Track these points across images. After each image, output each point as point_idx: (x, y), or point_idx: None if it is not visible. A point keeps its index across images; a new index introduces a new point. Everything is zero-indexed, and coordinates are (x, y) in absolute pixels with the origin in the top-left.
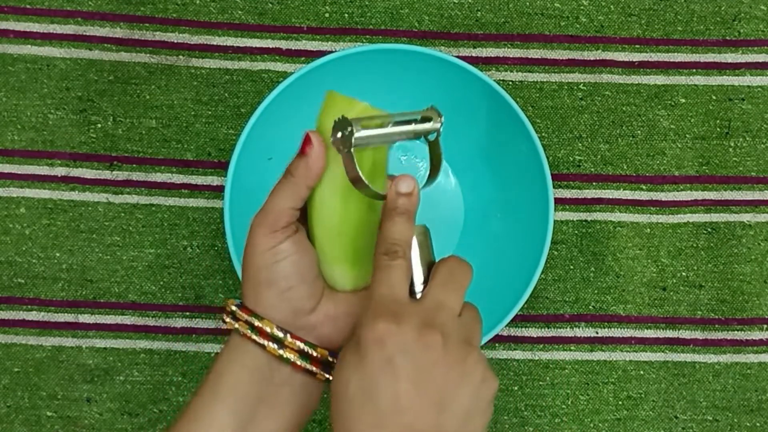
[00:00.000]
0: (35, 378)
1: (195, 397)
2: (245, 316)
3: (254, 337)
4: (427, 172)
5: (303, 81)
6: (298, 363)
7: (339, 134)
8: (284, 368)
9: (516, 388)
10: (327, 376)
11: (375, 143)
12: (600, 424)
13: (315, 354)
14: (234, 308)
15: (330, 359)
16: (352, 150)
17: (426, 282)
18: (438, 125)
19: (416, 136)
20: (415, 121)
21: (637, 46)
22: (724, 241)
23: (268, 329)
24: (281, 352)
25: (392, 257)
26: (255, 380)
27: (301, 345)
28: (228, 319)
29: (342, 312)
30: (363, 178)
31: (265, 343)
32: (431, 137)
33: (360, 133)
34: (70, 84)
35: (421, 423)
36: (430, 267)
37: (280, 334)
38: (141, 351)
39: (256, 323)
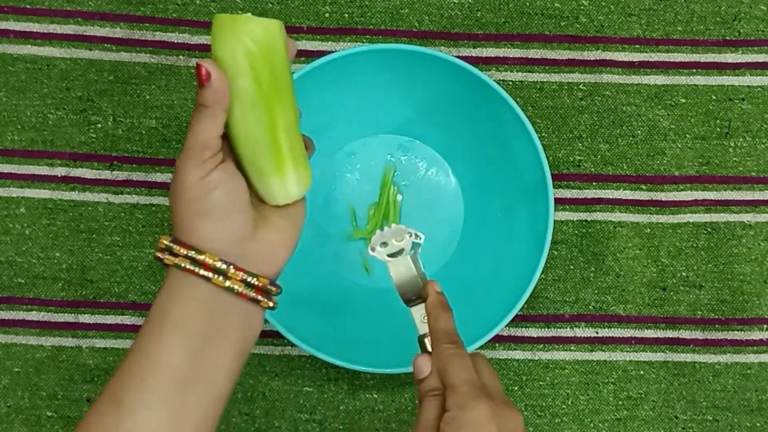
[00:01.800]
0: (35, 378)
1: (141, 335)
2: (184, 251)
3: (198, 270)
4: (427, 173)
5: (303, 81)
6: (243, 292)
7: (387, 243)
8: (228, 298)
9: (516, 388)
10: (269, 303)
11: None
12: (600, 424)
13: (257, 283)
14: (169, 244)
15: (270, 287)
16: (408, 256)
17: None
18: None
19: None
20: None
21: (637, 46)
22: (724, 241)
23: (210, 261)
24: (227, 283)
25: (457, 345)
26: (200, 312)
27: (244, 275)
28: (166, 256)
29: (279, 237)
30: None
31: (210, 275)
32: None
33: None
34: (70, 84)
35: None
36: (423, 281)
37: (223, 266)
38: None
39: (198, 257)
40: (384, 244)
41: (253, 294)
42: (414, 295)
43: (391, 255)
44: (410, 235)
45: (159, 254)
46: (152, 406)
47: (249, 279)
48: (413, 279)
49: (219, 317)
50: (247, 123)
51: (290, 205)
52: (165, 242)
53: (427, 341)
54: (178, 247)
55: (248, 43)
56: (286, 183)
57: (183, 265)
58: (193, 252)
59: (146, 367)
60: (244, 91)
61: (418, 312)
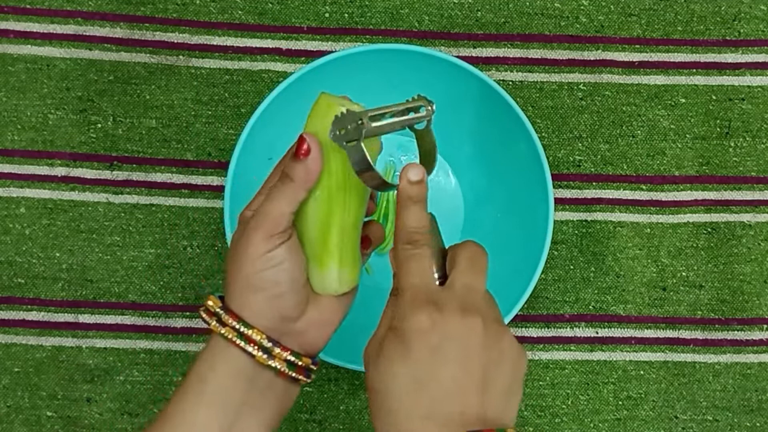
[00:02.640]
0: (35, 378)
1: (177, 399)
2: (233, 323)
3: (243, 345)
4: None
5: (303, 81)
6: (285, 371)
7: (345, 129)
8: (268, 374)
9: None
10: (308, 380)
11: (379, 134)
12: (600, 424)
13: (300, 363)
14: (219, 311)
15: (312, 366)
16: (362, 143)
17: (442, 268)
18: (431, 111)
19: (412, 124)
20: (408, 111)
21: (637, 46)
22: (724, 241)
23: (257, 338)
24: (270, 362)
25: (415, 245)
26: (239, 385)
27: (288, 356)
28: (213, 323)
29: (326, 319)
30: (374, 167)
31: (254, 352)
32: (420, 126)
33: (372, 124)
34: (70, 84)
35: (469, 406)
36: (442, 253)
37: (269, 345)
38: (141, 351)
39: (246, 331)
40: (342, 129)
41: (293, 374)
42: (381, 185)
43: (348, 141)
44: (361, 123)
45: (206, 316)
46: None
47: (292, 359)
48: (369, 169)
49: (257, 391)
50: (318, 207)
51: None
52: (215, 307)
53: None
54: (227, 317)
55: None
56: (325, 278)
57: (229, 336)
58: (240, 325)
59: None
60: (327, 176)
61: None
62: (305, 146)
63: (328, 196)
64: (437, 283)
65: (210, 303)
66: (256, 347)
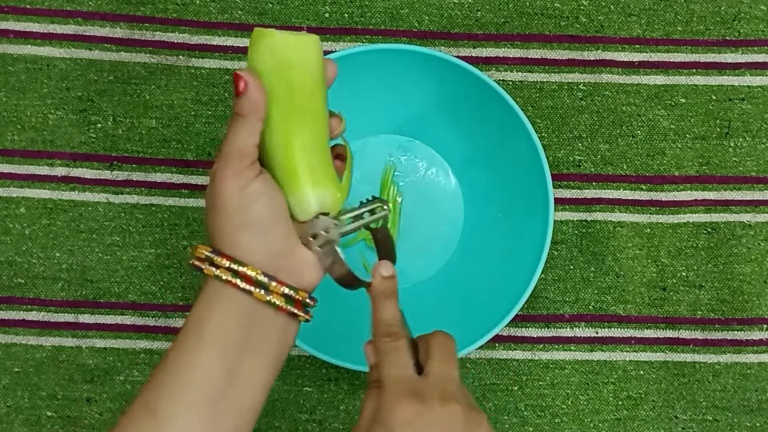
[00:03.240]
0: (35, 378)
1: (178, 345)
2: (226, 263)
3: (239, 283)
4: (427, 173)
5: None
6: (283, 306)
7: (319, 236)
8: (267, 311)
9: (516, 388)
10: (306, 316)
11: (345, 234)
12: (600, 424)
13: (297, 297)
14: (210, 254)
15: (308, 300)
16: (337, 247)
17: (415, 356)
18: (387, 211)
19: (375, 222)
20: (367, 213)
21: (637, 46)
22: (724, 241)
23: (252, 274)
24: (268, 297)
25: (394, 338)
26: (239, 325)
27: (285, 289)
28: (206, 266)
29: (316, 255)
30: (348, 266)
31: (251, 288)
32: (376, 225)
33: (343, 229)
34: (70, 84)
35: None
36: (412, 342)
37: (265, 279)
38: (141, 351)
39: (240, 269)
40: (314, 236)
41: (291, 308)
42: (353, 282)
43: (321, 246)
44: (335, 225)
45: (197, 263)
46: (187, 418)
47: (289, 293)
48: (344, 270)
49: (256, 330)
50: (265, 139)
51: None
52: (205, 252)
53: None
54: (219, 258)
55: (266, 59)
56: (303, 202)
57: (224, 277)
58: (234, 264)
59: (182, 378)
60: (278, 101)
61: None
62: (241, 82)
63: (281, 120)
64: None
65: (200, 249)
66: (251, 284)
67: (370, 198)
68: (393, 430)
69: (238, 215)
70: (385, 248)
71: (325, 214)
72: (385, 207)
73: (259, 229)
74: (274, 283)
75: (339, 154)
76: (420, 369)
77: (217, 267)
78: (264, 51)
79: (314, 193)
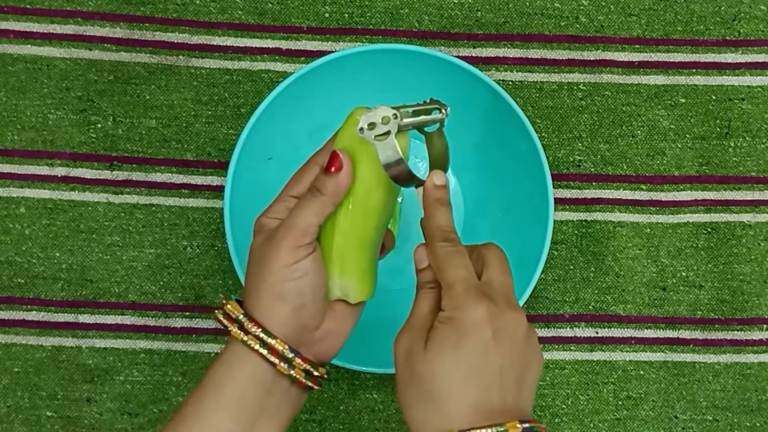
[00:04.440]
0: (35, 378)
1: (194, 401)
2: (256, 331)
3: (265, 353)
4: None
5: (303, 81)
6: (303, 381)
7: (373, 125)
8: (285, 382)
9: None
10: (319, 388)
11: (407, 129)
12: (600, 424)
13: (316, 373)
14: (242, 318)
15: (325, 376)
16: (394, 137)
17: None
18: (445, 113)
19: (428, 124)
20: (426, 111)
21: (637, 46)
22: (724, 241)
23: (279, 348)
24: (290, 371)
25: (454, 243)
26: (257, 391)
27: (307, 366)
28: (234, 329)
29: (340, 329)
30: (404, 159)
31: (276, 361)
32: (432, 129)
33: (402, 121)
34: (70, 84)
35: (508, 397)
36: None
37: (291, 355)
38: (141, 351)
39: (269, 341)
40: (371, 125)
41: (309, 383)
42: (406, 179)
43: (378, 137)
44: (395, 117)
45: (226, 322)
46: None
47: (310, 369)
48: (400, 163)
49: (273, 398)
50: (348, 219)
51: (351, 303)
52: (236, 313)
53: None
54: (250, 325)
55: (348, 142)
56: (362, 287)
57: (252, 344)
58: (264, 334)
59: None
60: (355, 189)
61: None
62: (338, 162)
63: (360, 209)
64: None
65: (229, 307)
66: (277, 357)
67: (428, 100)
68: (463, 328)
69: (279, 285)
70: (438, 155)
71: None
72: (444, 111)
73: (295, 303)
74: (298, 360)
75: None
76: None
77: (246, 332)
78: (345, 130)
79: (368, 284)
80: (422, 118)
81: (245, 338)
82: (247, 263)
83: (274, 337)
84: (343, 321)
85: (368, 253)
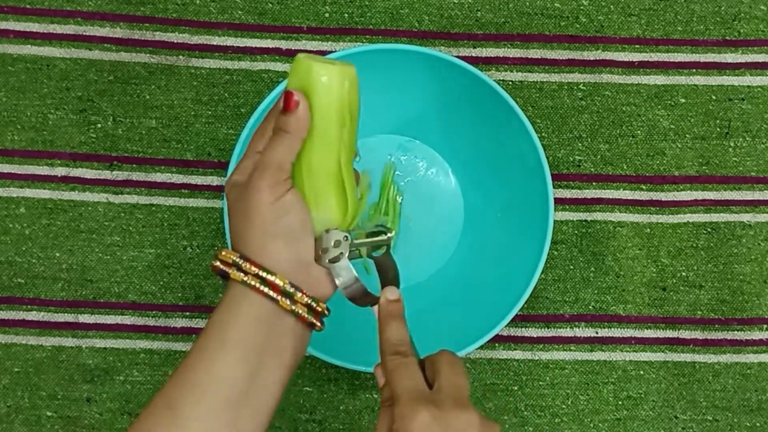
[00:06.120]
0: (35, 378)
1: (200, 347)
2: (255, 270)
3: (266, 290)
4: (427, 172)
5: None
6: (305, 316)
7: (328, 249)
8: (288, 318)
9: (516, 388)
10: (322, 326)
11: (355, 250)
12: (600, 424)
13: (317, 307)
14: (238, 260)
15: (326, 311)
16: (347, 259)
17: (423, 376)
18: (390, 237)
19: (381, 243)
20: (374, 234)
21: (637, 46)
22: (724, 241)
23: (280, 284)
24: (293, 306)
25: (403, 355)
26: (261, 330)
27: (309, 300)
28: (233, 271)
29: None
30: (360, 280)
31: (277, 297)
32: (380, 252)
33: (356, 241)
34: (70, 84)
35: None
36: (420, 364)
37: (292, 290)
38: (141, 351)
39: (269, 277)
40: (324, 250)
41: (311, 318)
42: (363, 299)
43: (331, 261)
44: (345, 239)
45: (224, 267)
46: (208, 419)
47: (312, 303)
48: (356, 281)
49: (277, 336)
50: (315, 153)
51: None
52: (232, 257)
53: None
54: (248, 265)
55: (294, 82)
56: (315, 223)
57: (252, 283)
58: (263, 272)
59: (205, 379)
60: (314, 125)
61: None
62: (293, 99)
63: (322, 142)
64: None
65: (224, 254)
66: (278, 293)
67: (375, 228)
68: None
69: (271, 224)
70: (388, 274)
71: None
72: (388, 234)
73: (288, 239)
74: (299, 294)
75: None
76: (430, 387)
77: (245, 273)
78: (293, 75)
79: (317, 214)
80: (373, 239)
81: (245, 278)
82: (228, 218)
83: (273, 273)
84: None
85: (339, 186)
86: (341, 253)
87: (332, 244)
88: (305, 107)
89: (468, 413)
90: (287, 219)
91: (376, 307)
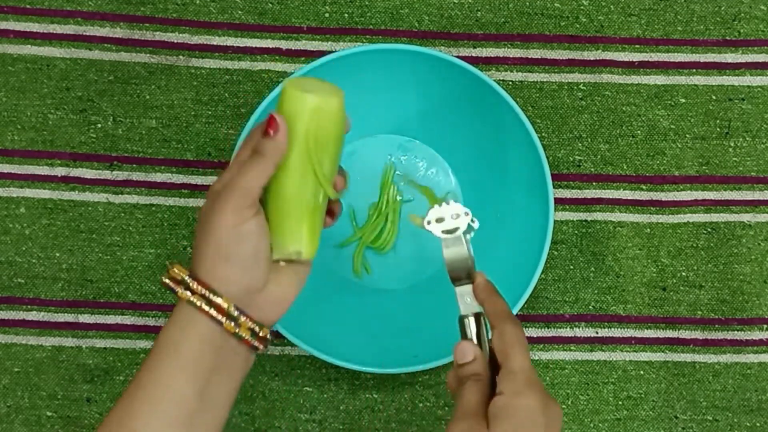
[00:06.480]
0: (35, 378)
1: (151, 365)
2: (202, 290)
3: (211, 312)
4: (427, 173)
5: None
6: (248, 339)
7: (444, 218)
8: (233, 341)
9: None
10: (266, 350)
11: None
12: (600, 424)
13: (261, 333)
14: (186, 278)
15: (269, 337)
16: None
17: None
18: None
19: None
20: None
21: (637, 46)
22: (724, 241)
23: (225, 306)
24: (236, 330)
25: (520, 329)
26: (209, 351)
27: (252, 325)
28: (181, 290)
29: (285, 294)
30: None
31: (222, 319)
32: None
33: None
34: (70, 84)
35: None
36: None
37: (236, 313)
38: (141, 351)
39: (214, 299)
40: (440, 219)
41: (255, 342)
42: (463, 274)
43: (445, 231)
44: (467, 215)
45: (172, 284)
46: None
47: (256, 329)
48: (464, 258)
49: (224, 356)
50: (289, 182)
51: (298, 265)
52: (181, 275)
53: (467, 322)
54: (195, 285)
55: (281, 108)
56: (311, 244)
57: (198, 303)
58: (209, 292)
59: (158, 397)
60: (293, 152)
61: (464, 293)
62: (275, 124)
63: (300, 170)
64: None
65: (175, 270)
66: (223, 315)
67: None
68: (526, 415)
69: (226, 248)
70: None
71: None
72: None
73: (241, 266)
74: (243, 318)
75: (331, 210)
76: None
77: (192, 292)
78: (281, 99)
79: (282, 241)
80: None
81: (192, 298)
82: (195, 227)
83: (219, 295)
84: (288, 286)
85: (309, 216)
86: (458, 227)
87: (450, 215)
88: (284, 132)
89: (558, 408)
90: (244, 246)
91: (468, 288)
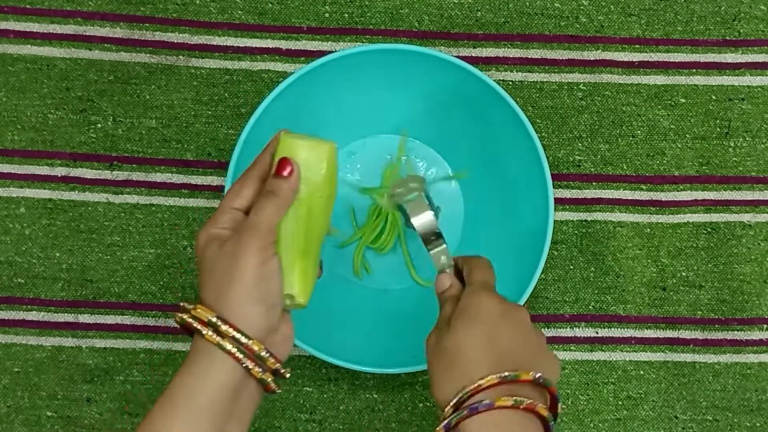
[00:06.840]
0: (35, 378)
1: (167, 413)
2: (233, 333)
3: (241, 357)
4: (427, 173)
5: (303, 81)
6: (271, 385)
7: (403, 187)
8: (252, 384)
9: None
10: (280, 391)
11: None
12: (600, 424)
13: (285, 373)
14: (216, 321)
15: (288, 376)
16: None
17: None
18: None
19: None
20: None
21: (637, 46)
22: (724, 241)
23: (256, 348)
24: (263, 375)
25: (485, 261)
26: (228, 398)
27: (278, 366)
28: (208, 332)
29: (290, 333)
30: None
31: (251, 365)
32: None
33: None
34: (70, 84)
35: (521, 357)
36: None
37: (266, 355)
38: (141, 351)
39: (246, 342)
40: (401, 193)
41: (274, 386)
42: (433, 234)
43: (408, 200)
44: (424, 181)
45: (198, 326)
46: None
47: (281, 369)
48: (430, 217)
49: (241, 401)
50: (291, 228)
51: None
52: (209, 316)
53: (446, 272)
54: (226, 328)
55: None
56: (306, 290)
57: (228, 347)
58: (241, 335)
59: None
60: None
61: (438, 253)
62: (288, 167)
63: (298, 215)
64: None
65: (200, 311)
66: (251, 360)
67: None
68: (479, 306)
69: (256, 288)
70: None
71: None
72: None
73: (269, 304)
74: (272, 359)
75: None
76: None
77: (222, 335)
78: (278, 150)
79: (309, 287)
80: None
81: (221, 341)
82: (202, 271)
83: (250, 338)
84: (290, 322)
85: (310, 259)
86: (417, 191)
87: (409, 184)
88: (297, 176)
89: (523, 310)
90: (270, 284)
91: (440, 248)
